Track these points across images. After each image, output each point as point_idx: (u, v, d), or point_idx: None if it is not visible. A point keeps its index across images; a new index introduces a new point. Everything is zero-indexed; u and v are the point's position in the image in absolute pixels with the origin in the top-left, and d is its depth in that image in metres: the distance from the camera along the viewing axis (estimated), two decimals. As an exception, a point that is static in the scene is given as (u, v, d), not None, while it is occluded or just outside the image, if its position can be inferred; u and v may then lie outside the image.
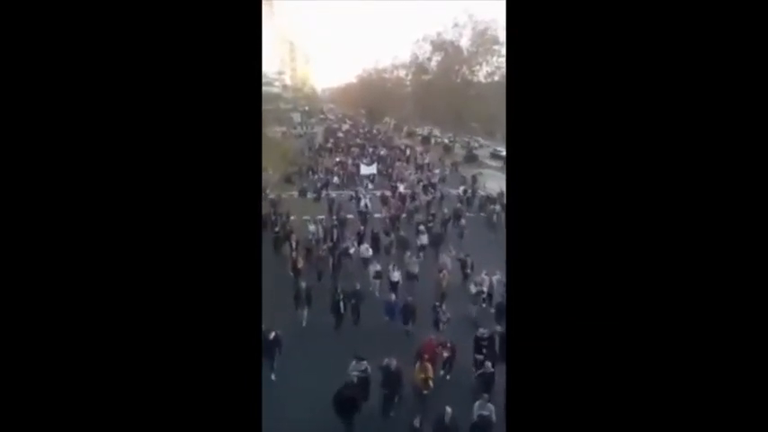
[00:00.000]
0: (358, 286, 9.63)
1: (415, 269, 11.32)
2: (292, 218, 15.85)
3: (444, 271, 10.51)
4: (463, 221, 15.71)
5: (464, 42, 34.50)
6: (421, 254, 12.80)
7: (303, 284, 9.68)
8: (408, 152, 33.29)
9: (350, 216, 17.47)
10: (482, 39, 32.81)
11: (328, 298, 9.50)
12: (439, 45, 36.42)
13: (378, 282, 11.04)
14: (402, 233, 14.05)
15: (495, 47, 32.57)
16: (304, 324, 9.50)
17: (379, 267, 11.06)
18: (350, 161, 27.57)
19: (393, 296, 9.31)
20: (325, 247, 12.76)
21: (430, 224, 15.51)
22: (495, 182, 22.75)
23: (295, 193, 20.68)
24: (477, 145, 36.42)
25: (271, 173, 21.46)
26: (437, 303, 9.24)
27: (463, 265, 11.52)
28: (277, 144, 23.25)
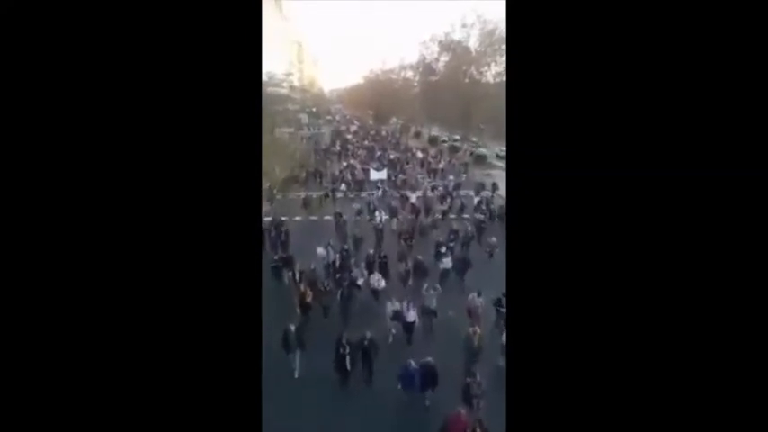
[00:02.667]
0: (369, 335, 7.50)
1: (432, 303, 9.16)
2: (297, 217, 14.09)
3: (476, 326, 7.92)
4: (494, 239, 13.05)
5: (472, 42, 33.86)
6: (438, 286, 9.87)
7: (292, 327, 7.76)
8: (420, 155, 31.35)
9: (358, 217, 16.07)
10: (490, 39, 31.94)
11: (331, 343, 7.58)
12: (447, 45, 35.69)
13: (395, 324, 8.94)
14: (419, 257, 11.47)
15: (504, 47, 32.13)
16: (296, 375, 7.78)
17: (397, 306, 8.86)
18: (358, 166, 25.86)
19: (411, 363, 6.96)
20: (328, 280, 10.60)
21: (451, 243, 12.92)
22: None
23: (302, 194, 19.69)
24: (485, 148, 36.12)
25: (278, 173, 21.56)
26: (468, 372, 7.06)
27: (499, 306, 8.86)
28: (285, 145, 23.38)
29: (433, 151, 34.60)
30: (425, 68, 40.33)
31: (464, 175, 25.42)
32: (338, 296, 9.92)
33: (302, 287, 9.73)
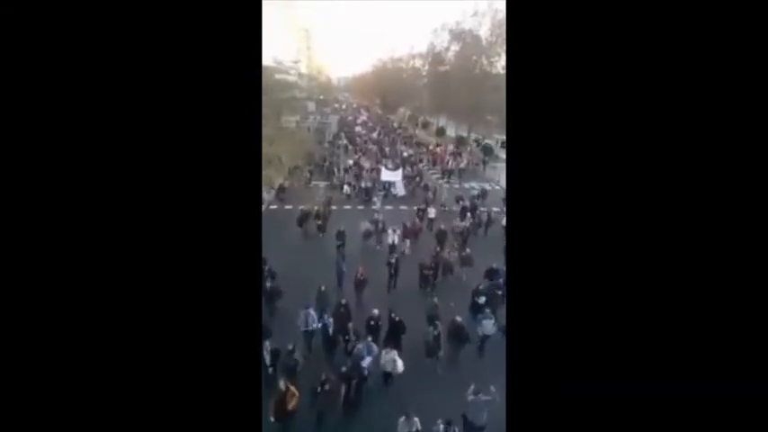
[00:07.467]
0: None
1: (481, 417, 5.56)
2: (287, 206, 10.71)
3: None
4: None
5: (483, 32, 32.58)
6: (493, 390, 5.78)
7: None
8: (436, 150, 28.31)
9: (366, 240, 13.02)
10: (502, 28, 30.27)
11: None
12: (457, 34, 34.47)
13: None
14: (458, 319, 7.31)
15: (516, 37, 31.38)
16: None
17: (417, 426, 5.42)
18: (367, 165, 22.84)
19: None
20: (326, 371, 6.53)
21: (499, 290, 8.38)
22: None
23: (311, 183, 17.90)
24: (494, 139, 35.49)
25: (284, 162, 21.15)
26: None
27: None
28: (291, 133, 23.06)
29: (450, 147, 31.87)
30: (435, 58, 39.40)
31: (488, 185, 21.50)
32: (341, 396, 6.40)
33: (282, 384, 5.81)
